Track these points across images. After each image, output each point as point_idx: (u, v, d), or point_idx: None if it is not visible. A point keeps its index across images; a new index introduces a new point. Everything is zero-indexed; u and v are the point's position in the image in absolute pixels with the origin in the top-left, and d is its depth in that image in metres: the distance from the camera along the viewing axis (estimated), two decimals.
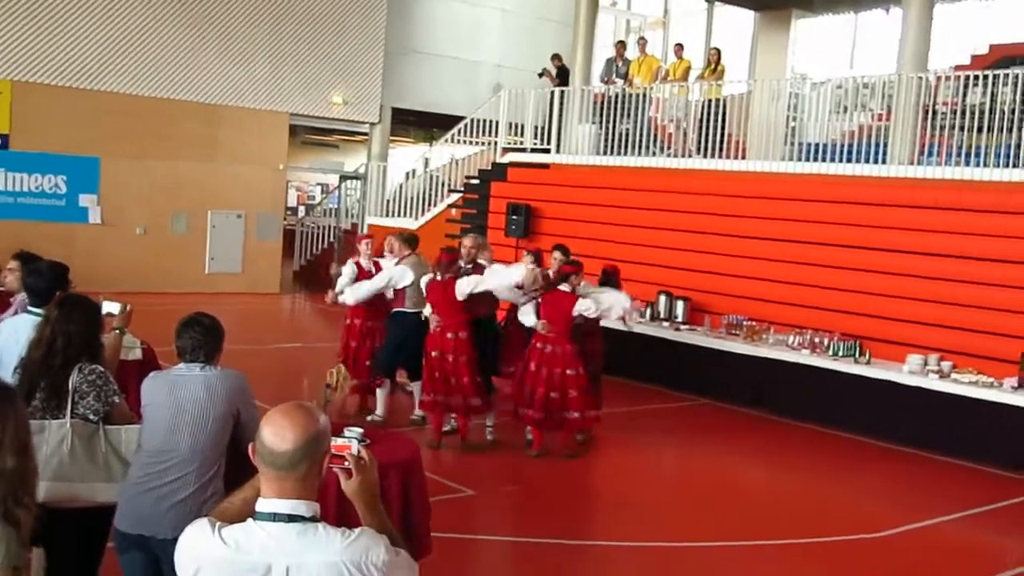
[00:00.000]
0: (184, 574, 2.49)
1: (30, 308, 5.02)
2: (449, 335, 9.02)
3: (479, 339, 9.49)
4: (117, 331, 5.18)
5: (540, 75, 18.77)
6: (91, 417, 4.25)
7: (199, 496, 4.12)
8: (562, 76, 18.36)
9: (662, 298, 13.36)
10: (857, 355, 11.14)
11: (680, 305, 13.22)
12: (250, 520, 2.46)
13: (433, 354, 9.05)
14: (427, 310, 9.32)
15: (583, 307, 9.00)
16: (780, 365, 11.62)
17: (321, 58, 19.97)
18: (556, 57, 18.78)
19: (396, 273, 9.61)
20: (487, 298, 9.33)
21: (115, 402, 4.33)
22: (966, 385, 10.23)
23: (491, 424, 9.49)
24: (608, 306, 9.30)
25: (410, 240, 10.01)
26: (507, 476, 8.87)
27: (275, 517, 2.42)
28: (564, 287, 9.08)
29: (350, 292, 9.67)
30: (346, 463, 2.60)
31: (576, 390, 8.93)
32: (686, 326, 13.02)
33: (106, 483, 4.26)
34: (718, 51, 16.47)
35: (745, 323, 12.35)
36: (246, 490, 2.71)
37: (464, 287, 9.03)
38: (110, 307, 5.17)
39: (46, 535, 3.98)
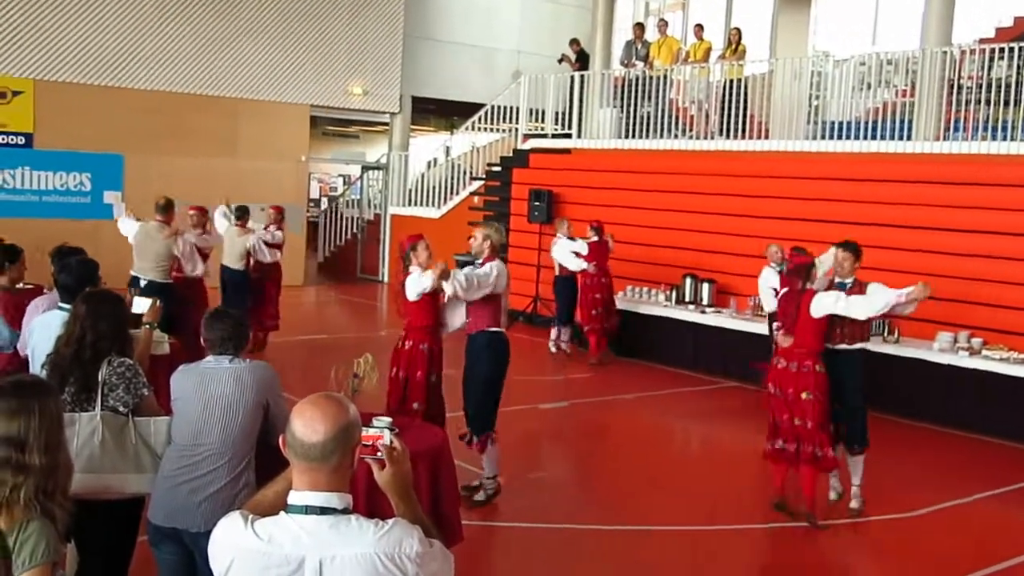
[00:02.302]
0: (218, 567, 2.49)
1: (61, 305, 5.07)
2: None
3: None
4: (148, 326, 5.21)
5: (559, 61, 18.71)
6: (121, 409, 4.29)
7: (231, 489, 4.16)
8: (581, 60, 18.30)
9: (687, 281, 13.33)
10: (886, 334, 11.04)
11: (706, 287, 13.18)
12: (283, 513, 2.46)
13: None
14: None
15: (822, 305, 7.04)
16: None
17: (340, 49, 19.99)
18: (575, 42, 18.71)
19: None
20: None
21: (144, 394, 4.36)
22: (997, 362, 10.13)
23: (491, 475, 7.44)
24: (858, 304, 7.11)
25: (156, 204, 10.36)
26: (535, 463, 8.87)
27: (307, 510, 2.42)
28: (810, 285, 7.19)
29: (122, 222, 10.52)
30: (379, 453, 2.60)
31: (812, 420, 7.03)
32: (712, 308, 12.97)
33: (136, 474, 4.29)
34: (738, 31, 16.35)
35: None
36: (278, 483, 2.71)
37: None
38: (140, 304, 5.20)
39: (78, 528, 4.02)
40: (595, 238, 13.09)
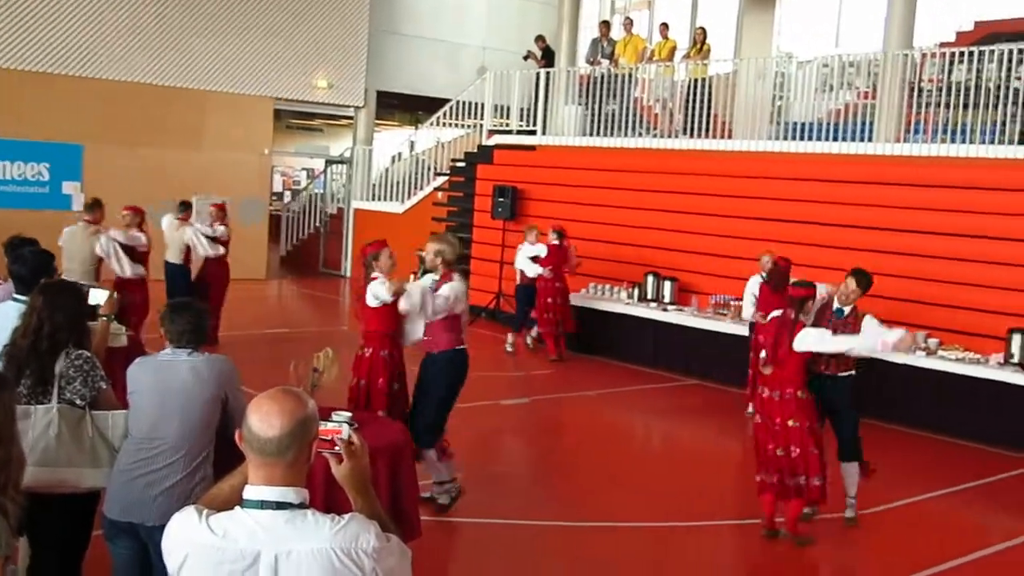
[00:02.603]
0: (172, 562, 2.46)
1: (15, 296, 4.99)
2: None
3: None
4: (104, 318, 5.16)
5: (525, 58, 18.70)
6: (78, 402, 4.24)
7: (188, 483, 4.12)
8: (547, 57, 18.30)
9: (649, 279, 13.39)
10: None
11: (668, 285, 13.24)
12: (238, 508, 2.44)
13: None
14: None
15: (805, 343, 6.75)
16: None
17: (305, 42, 19.85)
18: (540, 39, 18.71)
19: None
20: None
21: (102, 387, 4.32)
22: (953, 362, 10.27)
23: (451, 478, 7.25)
24: (848, 345, 6.89)
25: (84, 204, 10.63)
26: (495, 459, 8.87)
27: (263, 504, 2.40)
28: (802, 317, 6.89)
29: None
30: (336, 448, 2.58)
31: (799, 447, 6.80)
32: (673, 306, 13.04)
33: (92, 468, 4.25)
34: (703, 30, 16.43)
35: (732, 303, 12.36)
36: (235, 477, 2.68)
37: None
38: (96, 295, 5.14)
39: (31, 522, 3.97)
40: (555, 242, 13.16)
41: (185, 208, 12.37)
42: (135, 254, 10.33)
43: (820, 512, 7.24)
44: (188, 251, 12.13)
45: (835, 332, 7.02)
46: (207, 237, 12.13)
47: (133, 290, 9.98)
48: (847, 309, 7.17)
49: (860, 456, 7.27)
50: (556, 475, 8.58)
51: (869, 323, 7.07)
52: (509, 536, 6.92)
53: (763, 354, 7.11)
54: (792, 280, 7.63)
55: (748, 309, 10.47)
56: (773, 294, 8.97)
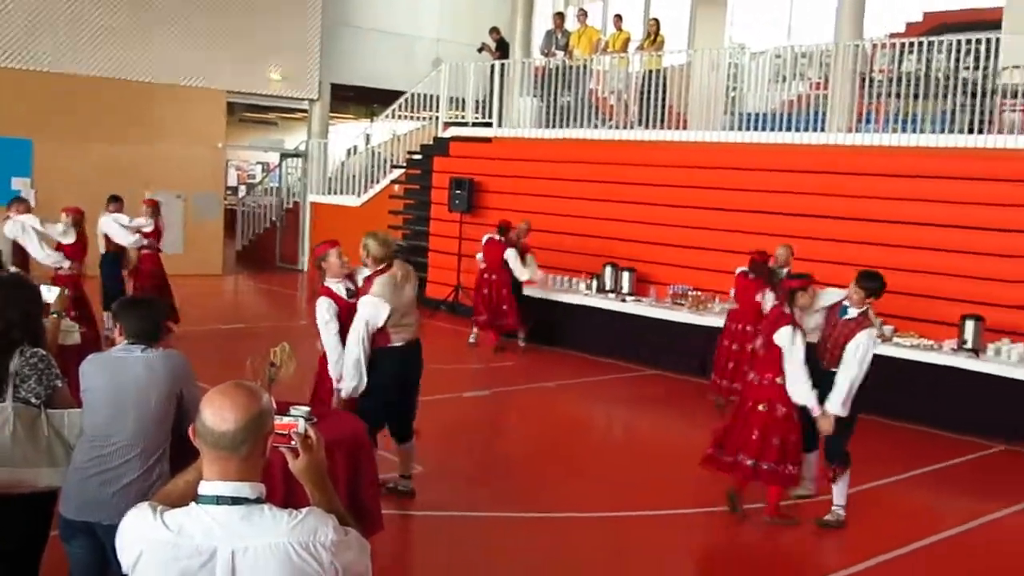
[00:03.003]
0: (126, 560, 2.43)
1: None
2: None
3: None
4: (55, 315, 5.09)
5: (479, 50, 18.68)
6: (33, 401, 4.18)
7: (145, 480, 4.07)
8: (502, 49, 18.29)
9: (608, 269, 13.42)
10: None
11: (626, 276, 13.29)
12: (193, 504, 2.41)
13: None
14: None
15: (780, 340, 6.78)
16: None
17: (257, 34, 19.64)
18: (494, 30, 18.69)
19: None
20: None
21: (57, 386, 4.26)
22: (907, 348, 10.39)
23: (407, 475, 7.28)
24: (793, 381, 6.80)
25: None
26: (456, 451, 8.86)
27: (218, 500, 2.37)
28: (796, 310, 6.88)
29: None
30: (292, 442, 2.56)
31: (759, 431, 6.90)
32: (632, 297, 13.08)
33: (50, 467, 4.19)
34: (657, 22, 16.49)
35: (690, 293, 12.44)
36: (189, 473, 2.66)
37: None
38: (47, 293, 5.08)
39: None
40: (497, 237, 13.04)
41: (114, 201, 12.34)
42: (64, 249, 10.51)
43: (786, 498, 7.30)
44: (119, 243, 12.20)
45: (834, 331, 7.02)
46: (124, 226, 12.09)
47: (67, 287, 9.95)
48: (852, 311, 6.96)
49: (839, 461, 7.15)
50: (518, 466, 8.58)
51: (851, 353, 6.81)
52: (471, 528, 6.91)
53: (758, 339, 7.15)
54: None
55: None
56: (751, 283, 9.83)
